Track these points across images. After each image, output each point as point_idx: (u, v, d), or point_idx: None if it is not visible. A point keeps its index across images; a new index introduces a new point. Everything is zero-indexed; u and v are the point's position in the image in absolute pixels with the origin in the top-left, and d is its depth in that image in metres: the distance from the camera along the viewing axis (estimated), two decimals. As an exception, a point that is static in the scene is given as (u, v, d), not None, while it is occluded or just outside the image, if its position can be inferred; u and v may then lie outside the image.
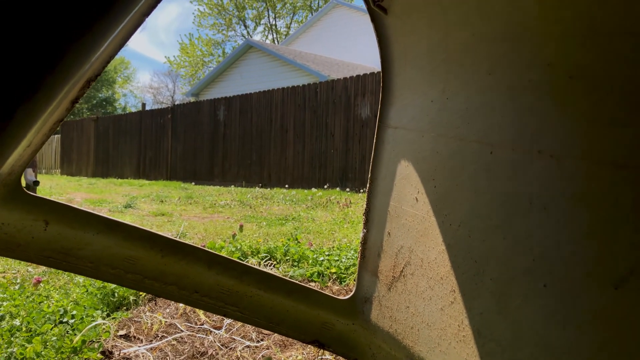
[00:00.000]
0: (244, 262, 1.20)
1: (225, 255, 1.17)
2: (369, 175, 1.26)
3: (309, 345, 1.67)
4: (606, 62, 0.73)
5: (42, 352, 1.70)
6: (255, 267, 1.20)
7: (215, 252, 1.14)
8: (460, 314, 0.96)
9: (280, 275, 1.23)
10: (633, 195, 0.69)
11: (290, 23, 42.16)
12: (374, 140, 1.23)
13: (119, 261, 1.11)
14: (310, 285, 2.71)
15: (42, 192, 9.33)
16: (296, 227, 5.27)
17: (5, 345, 1.73)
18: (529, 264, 0.84)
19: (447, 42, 1.00)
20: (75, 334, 1.86)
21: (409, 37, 1.11)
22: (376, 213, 1.24)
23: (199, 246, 1.16)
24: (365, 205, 1.26)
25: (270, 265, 3.07)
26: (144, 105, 21.06)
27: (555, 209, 0.80)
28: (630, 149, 0.70)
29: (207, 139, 16.04)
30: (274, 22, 41.91)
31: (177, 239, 1.12)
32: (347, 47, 26.43)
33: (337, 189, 11.77)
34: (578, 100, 0.77)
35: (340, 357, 1.33)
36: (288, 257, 3.19)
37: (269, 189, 12.60)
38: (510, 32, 0.87)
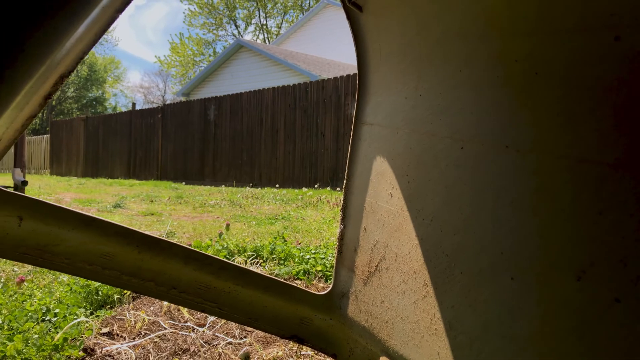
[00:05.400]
0: (224, 259, 1.20)
1: (204, 252, 1.18)
2: (346, 172, 1.27)
3: (291, 342, 1.68)
4: (568, 59, 0.74)
5: (23, 350, 1.69)
6: (232, 262, 1.21)
7: (192, 248, 1.15)
8: (432, 307, 0.97)
9: (257, 271, 1.24)
10: (594, 188, 0.71)
11: (281, 23, 42.11)
12: (351, 137, 1.24)
13: (96, 257, 1.11)
14: (296, 283, 2.72)
15: (30, 192, 9.26)
16: (285, 226, 5.27)
17: (-14, 344, 1.72)
18: (497, 258, 0.85)
19: (420, 40, 1.01)
20: (57, 332, 1.86)
21: (383, 35, 1.12)
22: (353, 209, 1.24)
23: (178, 243, 1.17)
24: (342, 202, 1.27)
25: (256, 264, 3.07)
26: (134, 104, 20.92)
27: (521, 203, 0.81)
28: (592, 144, 0.72)
29: (198, 138, 15.98)
30: (264, 22, 41.85)
31: (153, 235, 1.13)
32: (338, 47, 26.38)
33: (328, 188, 11.77)
34: (543, 96, 0.79)
35: (320, 353, 1.34)
36: (275, 256, 3.20)
37: (259, 188, 12.58)
38: (479, 29, 0.88)
